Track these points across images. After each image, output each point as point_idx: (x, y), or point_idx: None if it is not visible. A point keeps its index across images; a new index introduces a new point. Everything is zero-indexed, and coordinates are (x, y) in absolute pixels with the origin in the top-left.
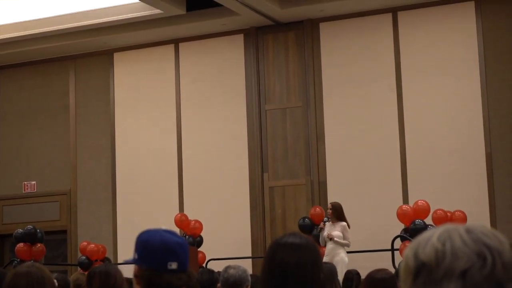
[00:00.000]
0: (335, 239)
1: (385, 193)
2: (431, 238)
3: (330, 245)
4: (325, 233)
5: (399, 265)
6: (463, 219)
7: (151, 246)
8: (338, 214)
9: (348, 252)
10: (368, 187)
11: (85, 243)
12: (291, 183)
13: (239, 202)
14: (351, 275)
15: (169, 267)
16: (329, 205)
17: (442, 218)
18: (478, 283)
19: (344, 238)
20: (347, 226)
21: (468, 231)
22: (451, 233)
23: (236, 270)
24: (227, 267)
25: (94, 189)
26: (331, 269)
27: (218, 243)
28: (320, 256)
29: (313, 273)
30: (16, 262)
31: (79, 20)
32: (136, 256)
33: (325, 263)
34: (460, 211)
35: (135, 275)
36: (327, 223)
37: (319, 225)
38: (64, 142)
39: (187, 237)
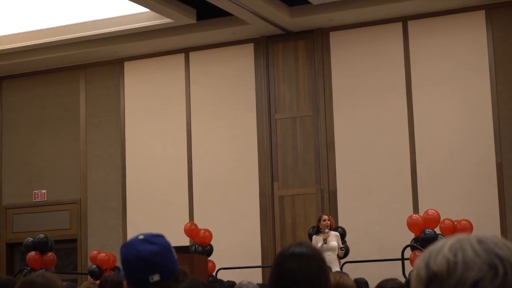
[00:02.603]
0: (338, 250)
1: (395, 202)
2: (442, 248)
3: (327, 257)
4: (332, 243)
5: (409, 274)
6: (470, 228)
7: (129, 264)
8: (331, 224)
9: (357, 261)
10: (378, 196)
11: (96, 252)
12: (301, 192)
13: (249, 211)
14: (359, 284)
15: (151, 280)
16: (327, 217)
17: (450, 228)
18: None
19: (339, 246)
20: (339, 235)
21: (480, 241)
22: (463, 243)
23: (247, 285)
24: (240, 285)
25: (104, 198)
26: None
27: (228, 252)
28: (327, 265)
29: (321, 283)
30: (26, 270)
31: (89, 29)
32: (123, 272)
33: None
34: (466, 220)
35: None
36: (317, 235)
37: (322, 235)
38: (75, 151)
39: (195, 245)
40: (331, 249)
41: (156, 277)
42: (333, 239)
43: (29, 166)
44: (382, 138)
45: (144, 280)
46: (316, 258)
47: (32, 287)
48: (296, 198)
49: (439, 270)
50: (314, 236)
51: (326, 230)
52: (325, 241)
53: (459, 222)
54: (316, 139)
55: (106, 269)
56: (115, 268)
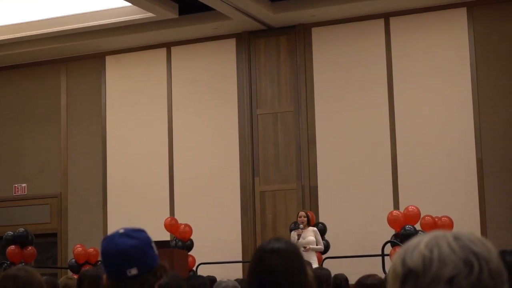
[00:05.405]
0: (311, 246)
1: (376, 198)
2: (418, 244)
3: (303, 253)
4: (309, 238)
5: (389, 270)
6: (450, 225)
7: (108, 257)
8: (309, 221)
9: (337, 257)
10: (359, 192)
11: (79, 246)
12: (282, 188)
13: (230, 206)
14: (339, 280)
15: (128, 274)
16: (303, 213)
17: (430, 224)
18: None
19: (317, 242)
20: (317, 230)
21: (456, 238)
22: (439, 240)
23: (226, 282)
24: (219, 282)
25: (85, 192)
26: (327, 275)
27: (209, 247)
28: (304, 260)
29: (301, 278)
30: (6, 264)
31: (71, 23)
32: (102, 266)
33: (321, 268)
34: (447, 216)
35: (104, 285)
36: (295, 231)
37: (295, 231)
38: (55, 145)
39: (176, 240)
40: (306, 244)
41: (133, 271)
42: (310, 234)
43: (9, 160)
44: (363, 134)
45: (122, 273)
46: (296, 254)
47: (14, 281)
48: (277, 193)
49: (415, 266)
50: (292, 232)
51: (301, 226)
52: (298, 236)
53: (440, 218)
54: (297, 134)
55: (85, 263)
56: (97, 263)
